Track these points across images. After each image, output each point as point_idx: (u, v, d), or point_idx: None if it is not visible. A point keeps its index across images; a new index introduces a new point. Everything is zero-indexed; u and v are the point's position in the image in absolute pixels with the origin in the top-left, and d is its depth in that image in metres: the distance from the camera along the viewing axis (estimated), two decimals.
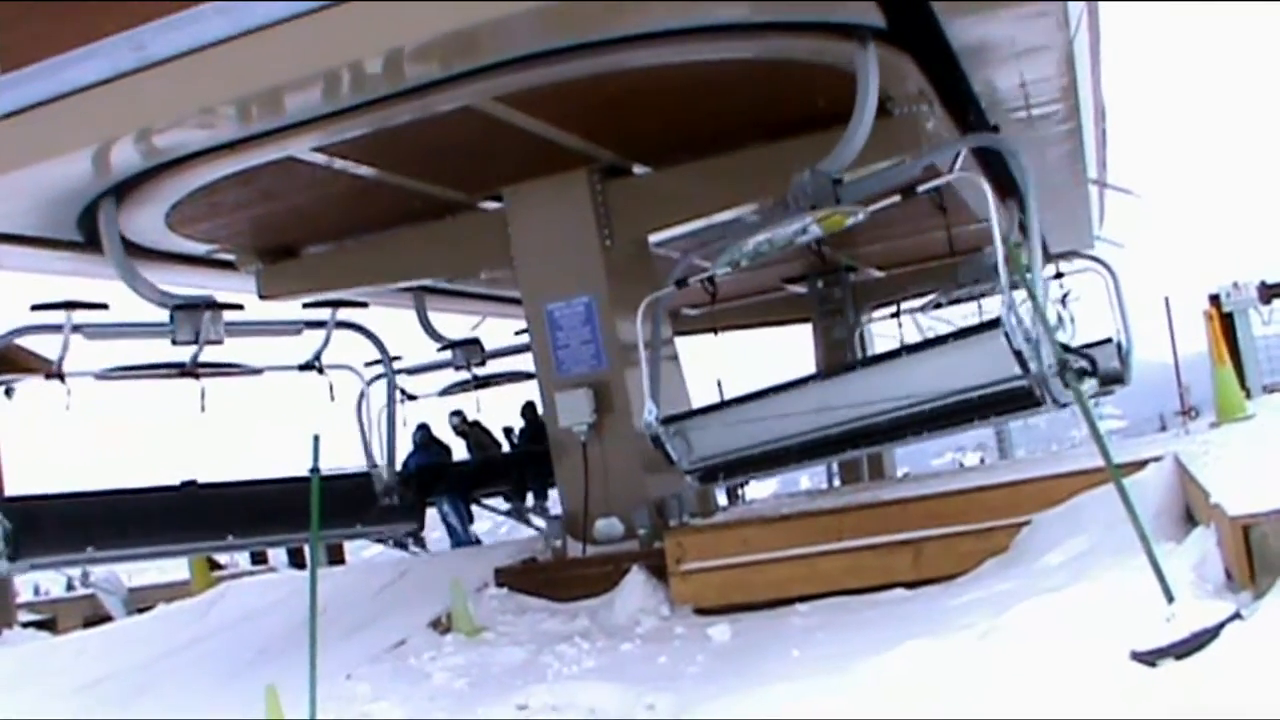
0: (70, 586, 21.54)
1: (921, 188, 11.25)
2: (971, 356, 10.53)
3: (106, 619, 18.08)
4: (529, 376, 16.95)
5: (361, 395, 16.12)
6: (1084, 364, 10.71)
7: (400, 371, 17.65)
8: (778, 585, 11.56)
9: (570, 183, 14.19)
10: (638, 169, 14.48)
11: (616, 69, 10.67)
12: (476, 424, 19.67)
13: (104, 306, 13.41)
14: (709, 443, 12.16)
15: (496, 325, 20.66)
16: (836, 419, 11.45)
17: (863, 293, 24.53)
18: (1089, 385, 10.65)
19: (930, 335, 27.60)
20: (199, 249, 15.43)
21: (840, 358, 23.03)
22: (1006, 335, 9.92)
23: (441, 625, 12.07)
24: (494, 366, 19.22)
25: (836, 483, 22.21)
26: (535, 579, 13.35)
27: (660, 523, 13.21)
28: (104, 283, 15.90)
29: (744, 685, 8.05)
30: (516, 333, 18.25)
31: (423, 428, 19.15)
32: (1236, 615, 5.41)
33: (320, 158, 12.40)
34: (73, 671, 13.00)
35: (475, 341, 18.86)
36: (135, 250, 14.26)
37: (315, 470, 8.06)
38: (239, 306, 13.94)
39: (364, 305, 15.91)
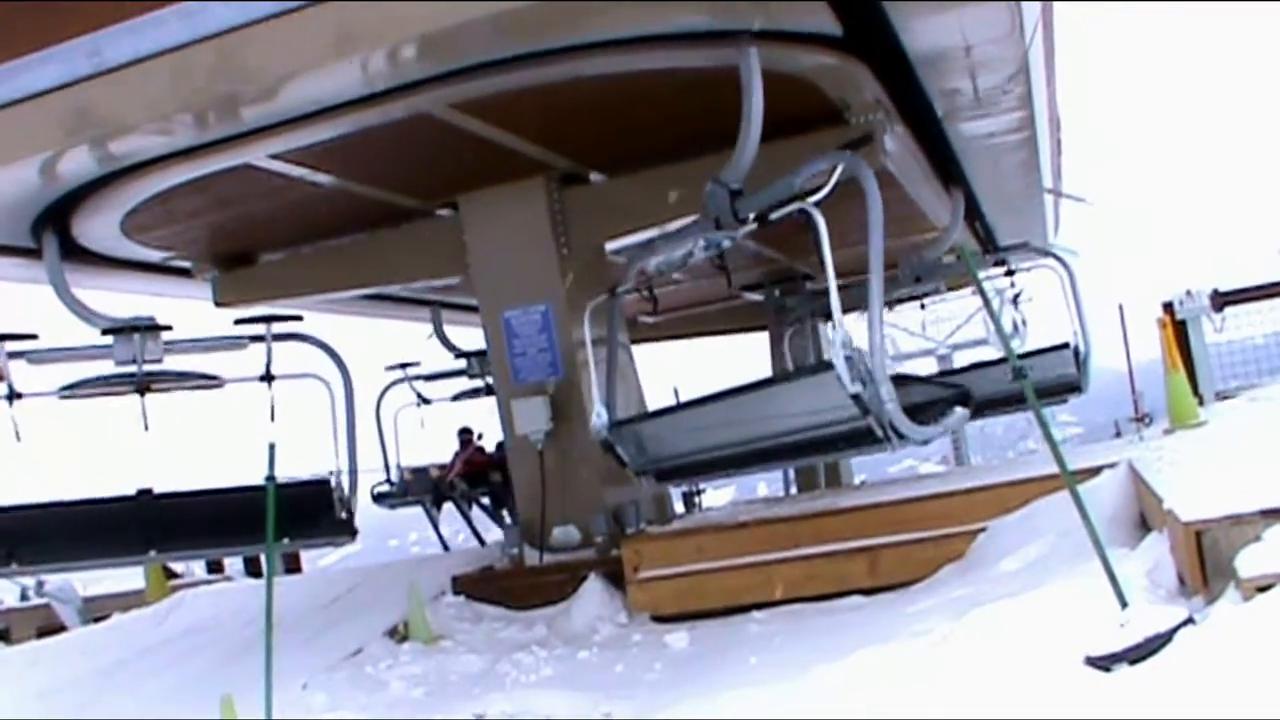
0: (24, 596, 21.34)
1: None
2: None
3: (61, 629, 17.94)
4: (210, 381, 14.59)
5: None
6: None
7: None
8: (735, 593, 11.58)
9: (527, 190, 14.15)
10: (594, 176, 14.47)
11: (573, 77, 10.66)
12: None
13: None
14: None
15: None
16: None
17: (820, 300, 24.50)
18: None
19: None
20: (155, 256, 15.31)
21: (799, 365, 23.09)
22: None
23: (398, 633, 12.02)
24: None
25: (794, 490, 22.23)
26: (493, 587, 13.32)
27: (617, 530, 13.22)
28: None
29: (701, 692, 8.06)
30: (239, 320, 14.75)
31: None
32: (1189, 620, 5.46)
33: (276, 165, 12.33)
34: (26, 681, 12.84)
35: (149, 325, 13.52)
36: (92, 258, 14.17)
37: (271, 478, 8.03)
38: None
39: (298, 318, 15.44)
